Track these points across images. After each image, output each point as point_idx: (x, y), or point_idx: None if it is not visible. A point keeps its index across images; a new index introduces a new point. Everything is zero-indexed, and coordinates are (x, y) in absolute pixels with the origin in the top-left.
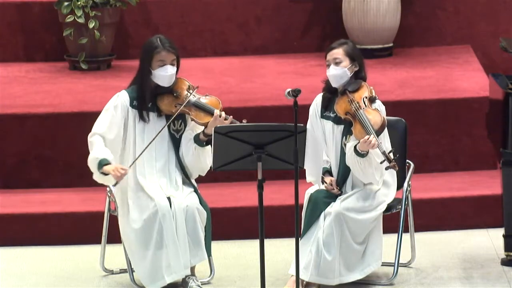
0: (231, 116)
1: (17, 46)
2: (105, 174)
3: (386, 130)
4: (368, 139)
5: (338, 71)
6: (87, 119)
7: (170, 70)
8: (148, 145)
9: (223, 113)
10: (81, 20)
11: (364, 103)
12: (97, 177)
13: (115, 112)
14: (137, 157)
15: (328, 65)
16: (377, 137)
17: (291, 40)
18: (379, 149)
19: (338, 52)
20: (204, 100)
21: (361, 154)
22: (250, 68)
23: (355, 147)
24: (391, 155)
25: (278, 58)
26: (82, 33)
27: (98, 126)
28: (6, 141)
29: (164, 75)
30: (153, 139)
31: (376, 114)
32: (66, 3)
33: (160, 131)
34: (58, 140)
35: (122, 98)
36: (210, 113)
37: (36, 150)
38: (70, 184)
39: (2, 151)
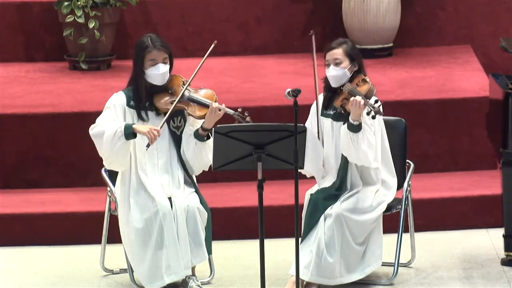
0: (223, 105)
1: (17, 46)
2: (134, 136)
3: (385, 130)
4: (354, 99)
5: (338, 72)
6: (87, 119)
7: (162, 68)
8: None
9: (216, 104)
10: (81, 20)
11: (357, 85)
12: (117, 149)
13: (115, 110)
14: (166, 117)
15: (328, 65)
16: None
17: (291, 40)
18: (367, 105)
19: (338, 52)
20: (198, 93)
21: (354, 128)
22: (250, 68)
23: (348, 121)
24: (376, 105)
25: (278, 58)
26: (82, 33)
27: (102, 119)
28: (6, 141)
29: (156, 73)
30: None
31: (365, 84)
32: (66, 3)
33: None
34: (58, 140)
35: (119, 98)
36: (206, 106)
37: (36, 150)
38: (70, 184)
39: (2, 151)
